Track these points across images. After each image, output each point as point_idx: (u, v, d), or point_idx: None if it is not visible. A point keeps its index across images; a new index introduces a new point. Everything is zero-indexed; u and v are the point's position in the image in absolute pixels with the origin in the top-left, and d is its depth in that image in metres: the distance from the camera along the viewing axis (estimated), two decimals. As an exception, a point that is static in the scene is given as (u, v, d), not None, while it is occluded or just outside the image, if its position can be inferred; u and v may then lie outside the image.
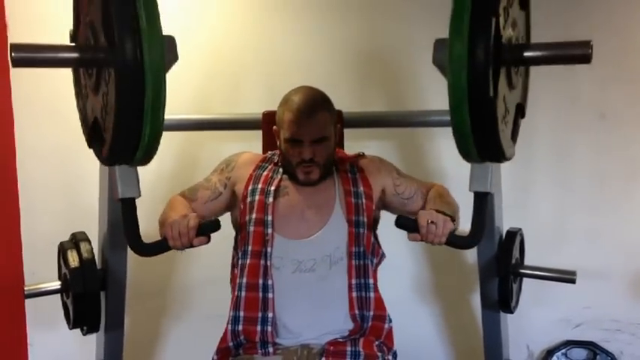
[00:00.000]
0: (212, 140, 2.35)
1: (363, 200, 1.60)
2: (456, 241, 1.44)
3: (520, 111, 1.28)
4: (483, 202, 1.30)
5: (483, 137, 1.09)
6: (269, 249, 1.53)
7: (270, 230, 1.54)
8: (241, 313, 1.53)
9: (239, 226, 1.61)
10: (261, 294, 1.52)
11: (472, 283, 2.26)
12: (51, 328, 2.31)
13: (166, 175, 2.29)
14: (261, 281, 1.53)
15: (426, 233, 1.40)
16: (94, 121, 1.14)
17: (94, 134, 1.16)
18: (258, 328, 1.51)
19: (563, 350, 2.46)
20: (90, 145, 1.20)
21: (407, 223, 1.43)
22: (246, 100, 2.36)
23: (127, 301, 1.90)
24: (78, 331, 1.84)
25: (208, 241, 1.42)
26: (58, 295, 1.84)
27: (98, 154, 1.18)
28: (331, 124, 1.58)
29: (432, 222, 1.39)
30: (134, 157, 1.10)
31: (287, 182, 1.62)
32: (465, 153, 1.14)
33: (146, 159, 1.13)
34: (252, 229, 1.56)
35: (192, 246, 1.41)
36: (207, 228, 1.41)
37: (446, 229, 1.40)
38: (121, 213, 1.27)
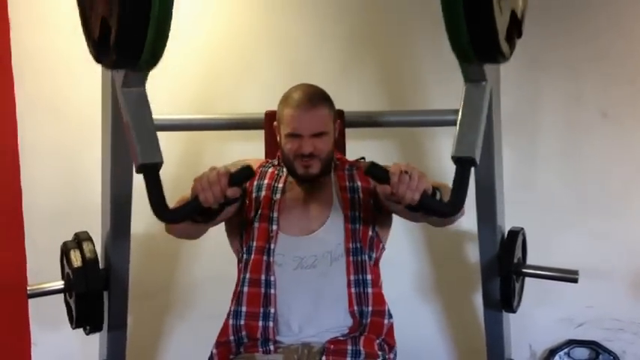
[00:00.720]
0: (214, 140, 2.36)
1: (360, 195, 1.61)
2: (431, 204, 1.27)
3: (515, 23, 1.14)
4: (467, 171, 1.18)
5: (476, 16, 0.99)
6: (272, 245, 1.55)
7: (275, 227, 1.56)
8: (243, 308, 1.54)
9: (244, 222, 1.62)
10: (263, 290, 1.53)
11: (474, 282, 2.26)
12: (54, 327, 2.32)
13: (168, 176, 2.24)
14: (263, 277, 1.54)
15: (397, 183, 1.24)
16: (102, 22, 1.06)
17: (101, 38, 1.06)
18: (260, 323, 1.52)
19: (566, 350, 2.46)
20: (98, 59, 1.11)
21: (377, 172, 1.27)
22: (249, 100, 2.36)
23: (130, 301, 1.91)
24: (81, 330, 1.84)
25: (241, 193, 1.30)
26: (61, 295, 1.85)
27: (105, 60, 1.09)
28: (331, 120, 1.60)
29: (405, 172, 1.25)
30: (142, 52, 1.01)
31: (290, 179, 1.64)
32: (457, 42, 1.03)
33: (154, 57, 1.03)
34: (257, 225, 1.58)
35: (225, 201, 1.29)
36: (239, 175, 1.27)
37: (421, 183, 1.25)
38: (144, 181, 1.17)
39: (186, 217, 1.31)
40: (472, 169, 1.20)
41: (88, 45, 1.18)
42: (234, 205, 1.54)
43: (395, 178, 1.25)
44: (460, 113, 1.19)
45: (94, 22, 1.12)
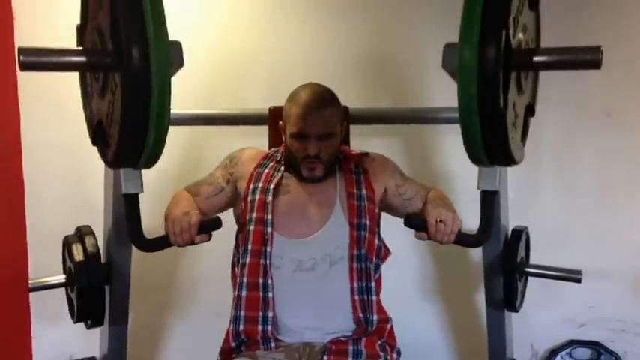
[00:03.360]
0: (217, 136, 2.35)
1: (366, 203, 1.60)
2: (464, 240, 1.45)
3: (530, 111, 1.29)
4: (491, 201, 1.32)
5: (493, 145, 1.10)
6: (268, 248, 1.53)
7: (269, 229, 1.54)
8: (242, 313, 1.53)
9: (240, 225, 1.61)
10: (261, 293, 1.52)
11: (477, 282, 2.26)
12: (55, 321, 2.32)
13: (171, 171, 2.29)
14: (261, 280, 1.53)
15: (435, 232, 1.41)
16: (99, 123, 1.15)
17: (98, 135, 1.16)
18: (259, 327, 1.51)
19: (567, 350, 2.45)
20: (94, 144, 1.21)
21: (416, 223, 1.45)
22: (252, 96, 2.35)
23: (132, 296, 1.91)
24: (82, 324, 1.84)
25: (209, 238, 1.44)
26: (63, 289, 1.85)
27: (103, 157, 1.19)
28: (337, 121, 1.58)
29: (440, 221, 1.41)
30: (138, 161, 1.12)
31: (288, 180, 1.62)
32: (475, 159, 1.16)
33: (150, 163, 1.14)
34: (251, 228, 1.56)
35: (193, 243, 1.43)
36: (208, 226, 1.43)
37: (455, 227, 1.42)
38: (124, 208, 1.30)
39: (158, 249, 1.45)
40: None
41: (87, 124, 1.26)
42: (221, 202, 1.67)
43: (432, 229, 1.42)
44: None
45: (94, 115, 1.20)
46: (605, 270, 2.40)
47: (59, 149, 2.37)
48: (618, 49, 2.34)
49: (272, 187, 1.59)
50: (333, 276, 1.53)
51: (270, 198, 1.57)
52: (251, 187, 1.61)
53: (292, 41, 2.39)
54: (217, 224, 1.44)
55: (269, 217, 1.55)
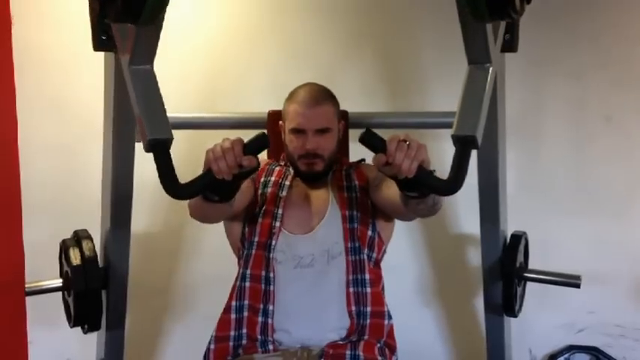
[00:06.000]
0: (216, 139, 2.33)
1: (357, 194, 1.62)
2: (428, 179, 1.16)
3: None
4: (467, 151, 1.10)
5: None
6: (273, 242, 1.55)
7: (277, 223, 1.56)
8: (245, 302, 1.54)
9: (248, 219, 1.61)
10: (263, 286, 1.53)
11: (475, 287, 2.25)
12: (52, 326, 2.30)
13: None
14: (263, 273, 1.54)
15: (395, 150, 1.13)
16: None
17: None
18: (260, 319, 1.52)
19: (566, 355, 2.45)
20: (105, 14, 1.06)
21: (373, 139, 1.14)
22: (252, 99, 2.35)
23: (129, 300, 1.90)
24: (79, 329, 1.83)
25: (258, 163, 1.18)
26: (60, 293, 1.84)
27: (109, 11, 1.03)
28: (335, 118, 1.61)
29: (404, 140, 1.14)
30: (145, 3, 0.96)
31: (296, 178, 1.64)
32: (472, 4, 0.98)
33: (156, 8, 0.98)
34: (260, 220, 1.58)
35: (241, 172, 1.18)
36: (255, 145, 1.17)
37: (419, 153, 1.14)
38: (154, 160, 1.12)
39: (200, 192, 1.21)
40: (473, 156, 1.17)
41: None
42: (247, 197, 1.55)
43: (393, 145, 1.13)
44: (462, 93, 1.14)
45: None
46: (605, 275, 2.40)
47: (56, 153, 2.36)
48: (619, 52, 2.35)
49: (287, 183, 1.62)
50: (331, 271, 1.54)
51: (284, 193, 1.60)
52: (262, 180, 1.64)
53: (291, 44, 2.39)
54: (264, 141, 1.18)
55: (280, 211, 1.57)
